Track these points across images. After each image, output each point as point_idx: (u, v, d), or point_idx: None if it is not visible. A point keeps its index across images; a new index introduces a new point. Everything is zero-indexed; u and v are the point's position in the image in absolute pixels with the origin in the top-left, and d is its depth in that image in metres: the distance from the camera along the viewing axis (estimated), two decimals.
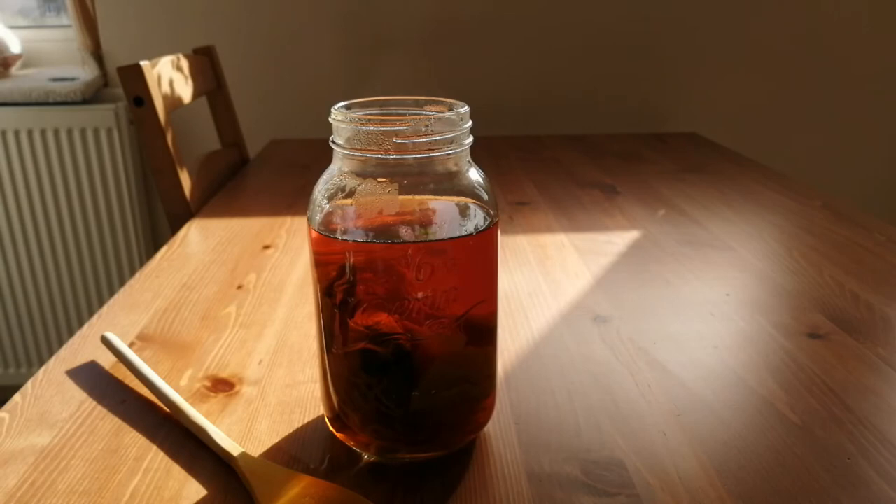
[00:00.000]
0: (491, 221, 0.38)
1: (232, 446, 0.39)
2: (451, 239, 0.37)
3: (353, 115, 0.37)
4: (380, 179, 0.36)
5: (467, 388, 0.40)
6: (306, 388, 0.47)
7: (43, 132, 1.45)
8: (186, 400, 0.45)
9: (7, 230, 1.50)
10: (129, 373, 0.49)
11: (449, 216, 0.38)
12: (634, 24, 1.52)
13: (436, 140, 0.36)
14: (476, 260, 0.38)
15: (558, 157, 1.16)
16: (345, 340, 0.38)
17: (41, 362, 1.53)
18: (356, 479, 0.38)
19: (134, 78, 0.89)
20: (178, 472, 0.39)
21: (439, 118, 0.36)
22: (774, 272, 0.67)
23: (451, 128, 0.36)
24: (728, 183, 0.99)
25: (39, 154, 1.46)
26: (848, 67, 1.56)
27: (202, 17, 1.49)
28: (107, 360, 0.51)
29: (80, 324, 1.55)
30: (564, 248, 0.74)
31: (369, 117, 0.36)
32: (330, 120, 0.37)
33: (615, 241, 0.75)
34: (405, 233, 0.36)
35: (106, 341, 0.51)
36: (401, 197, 0.36)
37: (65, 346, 0.53)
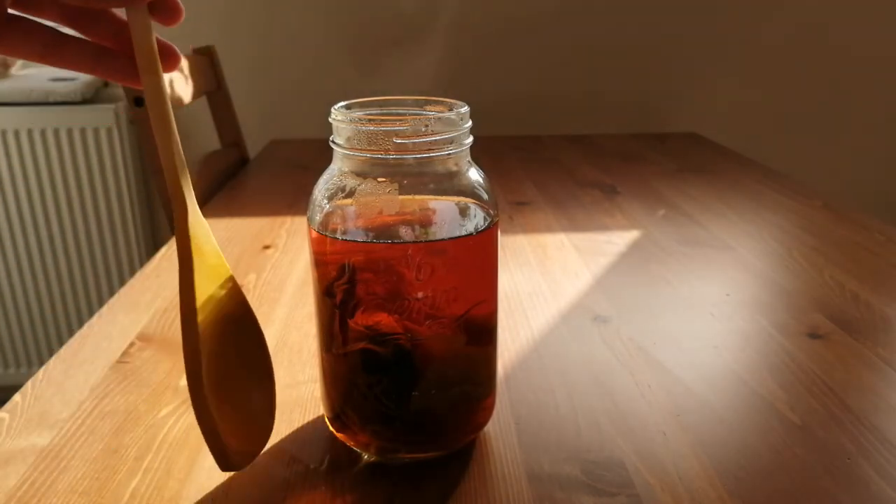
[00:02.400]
0: (491, 221, 0.38)
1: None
2: (450, 239, 0.37)
3: (353, 114, 0.37)
4: (380, 179, 0.36)
5: (467, 388, 0.40)
6: (306, 388, 0.47)
7: (43, 132, 1.45)
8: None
9: (7, 230, 1.50)
10: (128, 372, 0.49)
11: (449, 216, 0.38)
12: (634, 24, 1.52)
13: (436, 140, 0.36)
14: (476, 260, 0.38)
15: (558, 157, 1.16)
16: (345, 340, 0.38)
17: (41, 362, 1.52)
18: (356, 479, 0.38)
19: None
20: (178, 472, 0.39)
21: (439, 118, 0.36)
22: (774, 272, 0.67)
23: (451, 128, 0.36)
24: (728, 183, 0.99)
25: (39, 154, 1.46)
26: (847, 67, 1.56)
27: (202, 17, 1.49)
28: (106, 360, 0.51)
29: (80, 324, 1.55)
30: (564, 248, 0.74)
31: (369, 117, 0.36)
32: (330, 120, 0.37)
33: (615, 241, 0.75)
34: (405, 233, 0.36)
35: None
36: (401, 197, 0.36)
37: (65, 346, 0.53)
